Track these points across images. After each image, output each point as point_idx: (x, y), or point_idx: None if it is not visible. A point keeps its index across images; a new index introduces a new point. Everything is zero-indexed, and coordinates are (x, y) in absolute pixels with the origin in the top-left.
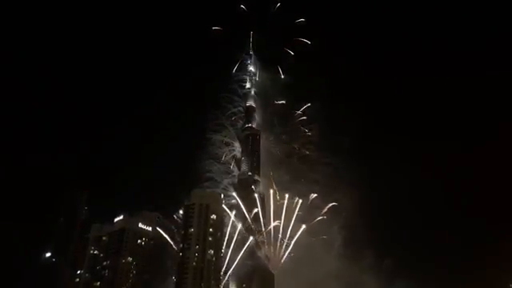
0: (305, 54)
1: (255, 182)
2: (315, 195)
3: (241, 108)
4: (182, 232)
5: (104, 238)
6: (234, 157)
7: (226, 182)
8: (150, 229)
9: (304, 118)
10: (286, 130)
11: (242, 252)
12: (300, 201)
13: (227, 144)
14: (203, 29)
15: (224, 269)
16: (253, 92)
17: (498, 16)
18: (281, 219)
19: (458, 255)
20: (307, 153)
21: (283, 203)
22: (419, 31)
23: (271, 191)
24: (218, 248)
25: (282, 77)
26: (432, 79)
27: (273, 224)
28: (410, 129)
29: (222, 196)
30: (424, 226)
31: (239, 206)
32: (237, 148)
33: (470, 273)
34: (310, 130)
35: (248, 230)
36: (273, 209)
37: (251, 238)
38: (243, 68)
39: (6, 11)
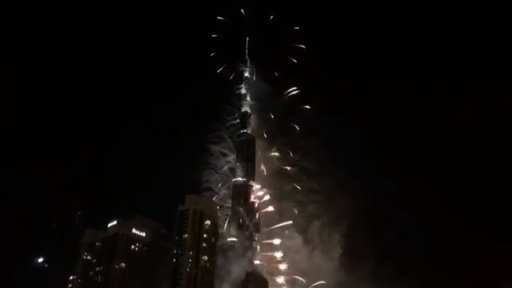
0: (304, 63)
1: (250, 188)
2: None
3: (239, 120)
4: (176, 238)
5: (97, 244)
6: (230, 169)
7: (222, 192)
8: (143, 234)
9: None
10: (287, 140)
11: (236, 258)
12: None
13: (225, 155)
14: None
15: (218, 275)
16: (248, 98)
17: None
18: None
19: (457, 263)
20: (307, 163)
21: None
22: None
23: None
24: (211, 254)
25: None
26: (435, 92)
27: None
28: (410, 140)
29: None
30: (423, 234)
31: (234, 211)
32: (233, 160)
33: (470, 279)
34: (310, 142)
35: (242, 236)
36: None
37: (245, 243)
38: (239, 76)
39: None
